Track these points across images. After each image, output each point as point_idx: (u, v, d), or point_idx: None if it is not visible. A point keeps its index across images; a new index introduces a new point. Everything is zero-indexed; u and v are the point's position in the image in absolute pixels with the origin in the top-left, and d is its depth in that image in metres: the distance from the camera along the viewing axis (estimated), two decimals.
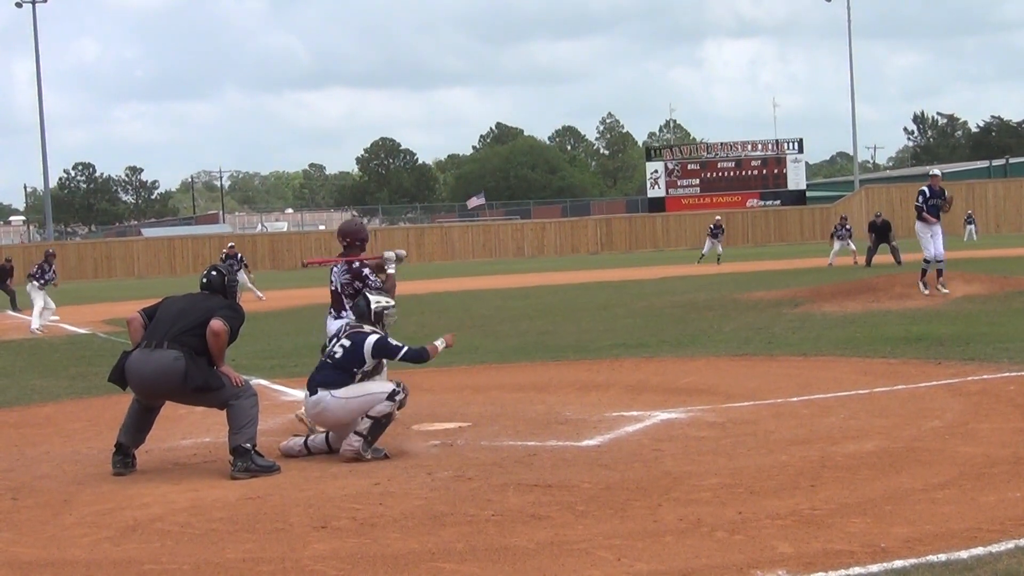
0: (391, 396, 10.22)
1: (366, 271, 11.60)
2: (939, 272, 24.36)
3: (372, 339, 10.54)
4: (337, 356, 10.51)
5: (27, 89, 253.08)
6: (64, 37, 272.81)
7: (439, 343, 10.86)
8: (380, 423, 10.17)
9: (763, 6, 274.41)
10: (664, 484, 8.61)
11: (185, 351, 9.94)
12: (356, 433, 10.13)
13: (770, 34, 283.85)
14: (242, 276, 37.21)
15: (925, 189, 24.85)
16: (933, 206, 24.71)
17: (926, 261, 24.45)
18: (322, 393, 10.36)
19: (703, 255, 53.08)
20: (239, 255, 39.54)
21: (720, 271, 43.17)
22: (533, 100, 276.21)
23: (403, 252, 12.05)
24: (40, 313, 30.02)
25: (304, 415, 11.25)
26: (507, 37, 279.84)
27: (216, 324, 9.94)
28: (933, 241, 24.29)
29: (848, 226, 45.60)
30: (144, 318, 10.53)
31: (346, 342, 10.56)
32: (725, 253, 53.21)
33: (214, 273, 10.64)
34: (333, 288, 11.69)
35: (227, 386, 9.96)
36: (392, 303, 11.03)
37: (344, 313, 11.50)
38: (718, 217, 59.69)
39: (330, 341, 10.89)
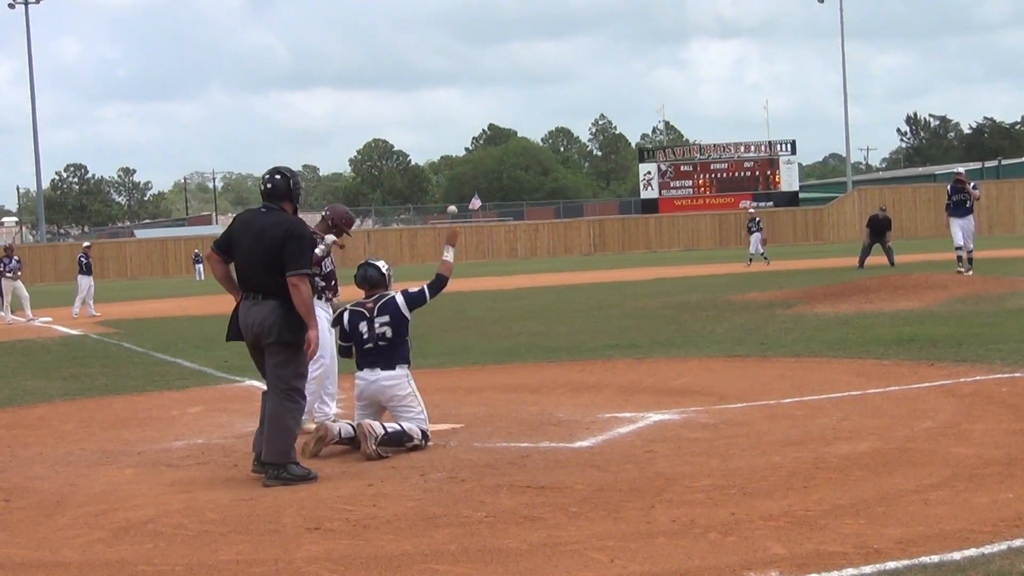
0: (424, 434, 10.64)
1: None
2: (969, 260, 28.69)
3: (400, 299, 10.88)
4: (389, 336, 10.75)
5: (9, 90, 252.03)
6: (45, 37, 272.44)
7: (447, 256, 11.25)
8: (402, 438, 10.42)
9: (743, 7, 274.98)
10: (657, 485, 8.62)
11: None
12: (381, 424, 10.38)
13: (752, 35, 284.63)
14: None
15: (948, 188, 29.70)
16: (958, 202, 29.22)
17: (957, 248, 29.08)
18: (402, 371, 10.78)
19: (756, 256, 49.96)
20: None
21: (713, 272, 43.12)
22: (519, 101, 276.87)
23: (331, 239, 12.19)
24: (7, 305, 31.18)
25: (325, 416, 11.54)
26: (488, 37, 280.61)
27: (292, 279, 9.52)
28: (958, 233, 28.91)
29: None
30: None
31: (385, 318, 10.79)
32: (721, 254, 52.38)
33: (278, 177, 9.83)
34: None
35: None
36: (388, 265, 11.29)
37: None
38: (751, 210, 58.55)
39: (338, 323, 11.02)
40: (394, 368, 10.73)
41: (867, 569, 6.37)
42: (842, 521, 7.38)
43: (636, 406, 12.33)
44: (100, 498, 9.17)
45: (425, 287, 10.98)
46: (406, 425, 10.50)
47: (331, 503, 8.59)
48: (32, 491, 9.57)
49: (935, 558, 6.48)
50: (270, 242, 9.51)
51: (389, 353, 10.74)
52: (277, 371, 9.64)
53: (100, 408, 14.43)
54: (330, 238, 12.12)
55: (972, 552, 6.56)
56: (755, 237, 50.48)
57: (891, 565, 6.40)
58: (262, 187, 9.84)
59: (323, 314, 11.69)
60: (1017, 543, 6.68)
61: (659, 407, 12.17)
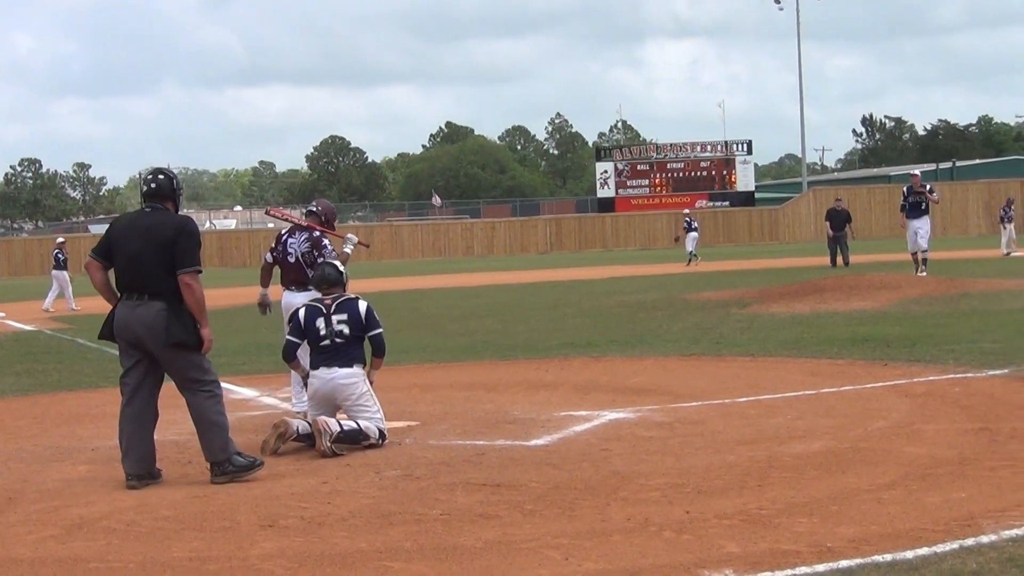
0: (381, 433, 10.58)
1: (326, 241, 12.29)
2: (924, 261, 28.97)
3: (363, 305, 10.89)
4: (347, 332, 10.73)
5: None
6: None
7: (374, 376, 11.11)
8: (358, 436, 10.39)
9: (699, 7, 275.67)
10: (612, 483, 8.63)
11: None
12: (337, 421, 10.36)
13: (708, 35, 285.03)
14: None
15: (904, 189, 28.97)
16: (914, 203, 29.59)
17: (913, 254, 29.38)
18: (359, 369, 10.76)
19: (691, 255, 50.04)
20: None
21: (669, 271, 43.20)
22: (476, 99, 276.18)
23: (355, 238, 12.42)
24: None
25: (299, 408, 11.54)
26: (444, 35, 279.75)
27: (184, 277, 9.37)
28: (913, 237, 29.21)
29: (1012, 210, 44.38)
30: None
31: (343, 316, 10.79)
32: (677, 254, 52.22)
33: (161, 177, 9.70)
34: (292, 259, 12.11)
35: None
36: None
37: (310, 286, 11.96)
38: (687, 211, 58.68)
39: (294, 319, 10.99)
40: (351, 366, 10.71)
41: (820, 567, 6.41)
42: (796, 520, 7.42)
43: (592, 404, 12.35)
44: (53, 495, 9.11)
45: (382, 331, 11.02)
46: (363, 423, 10.48)
47: (285, 500, 8.57)
48: None
49: (888, 557, 6.52)
50: (162, 241, 9.35)
51: (346, 350, 10.72)
52: (183, 374, 9.52)
53: (53, 404, 14.34)
54: (353, 238, 12.28)
55: (924, 551, 6.61)
56: (691, 236, 50.70)
57: (844, 563, 6.44)
58: (144, 188, 9.67)
59: None
60: (969, 542, 6.74)
61: (614, 405, 12.19)
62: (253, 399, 13.86)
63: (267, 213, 13.62)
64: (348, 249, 12.21)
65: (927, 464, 8.86)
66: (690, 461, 9.33)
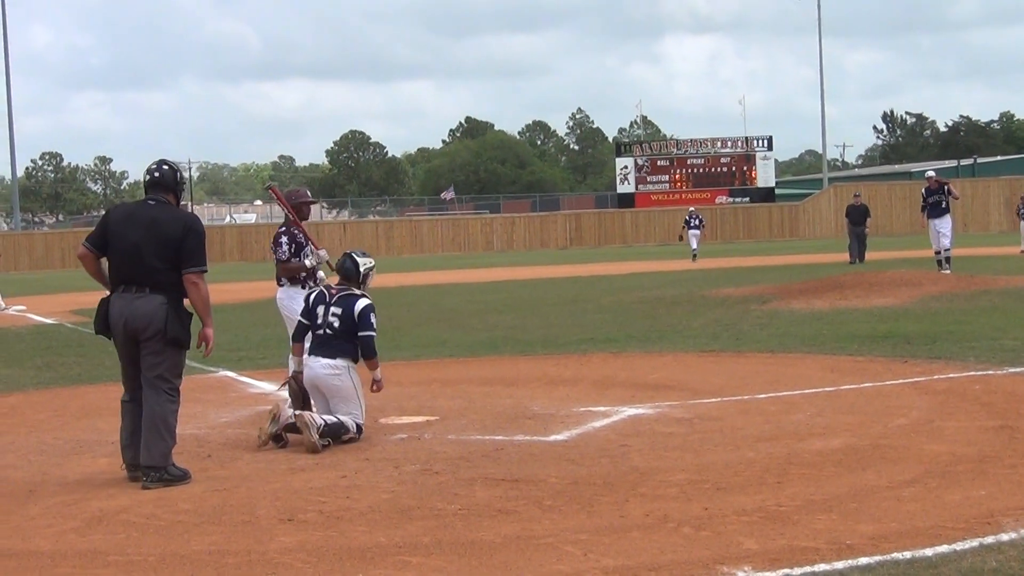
0: (359, 427, 10.67)
1: (284, 239, 12.24)
2: (947, 259, 29.50)
3: (361, 304, 10.89)
4: (336, 326, 10.81)
5: None
6: (15, 23, 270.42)
7: (378, 374, 10.94)
8: (340, 430, 10.45)
9: (716, 2, 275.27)
10: (631, 480, 8.63)
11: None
12: (320, 416, 10.43)
13: (725, 30, 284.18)
14: None
15: (923, 191, 30.81)
16: (934, 203, 29.96)
17: (936, 253, 29.90)
18: (342, 362, 10.77)
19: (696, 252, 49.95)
20: None
21: (689, 267, 43.16)
22: (494, 94, 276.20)
23: (325, 255, 12.35)
24: None
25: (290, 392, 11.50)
26: (460, 29, 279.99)
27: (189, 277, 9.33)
28: (936, 237, 29.78)
29: None
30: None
31: (337, 309, 10.87)
32: (690, 250, 51.89)
33: (166, 167, 9.59)
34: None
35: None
36: (373, 262, 11.38)
37: (283, 281, 12.24)
38: (691, 208, 58.54)
39: (306, 309, 11.11)
40: (335, 358, 10.74)
41: (839, 565, 6.39)
42: (815, 517, 7.41)
43: (611, 400, 12.34)
44: (73, 487, 9.14)
45: (375, 335, 10.95)
46: (343, 418, 10.53)
47: (305, 495, 8.58)
48: (4, 480, 9.53)
49: (907, 554, 6.51)
50: (167, 236, 9.25)
51: (333, 343, 10.78)
52: (158, 369, 9.31)
53: (74, 397, 14.38)
54: (323, 254, 12.27)
55: (944, 549, 6.60)
56: (692, 234, 50.48)
57: (863, 561, 6.43)
58: (147, 178, 9.53)
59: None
60: (988, 540, 6.73)
61: (633, 401, 12.18)
62: (271, 392, 13.87)
63: (265, 188, 13.53)
64: (307, 262, 12.12)
65: (947, 461, 8.84)
66: (709, 457, 9.32)
